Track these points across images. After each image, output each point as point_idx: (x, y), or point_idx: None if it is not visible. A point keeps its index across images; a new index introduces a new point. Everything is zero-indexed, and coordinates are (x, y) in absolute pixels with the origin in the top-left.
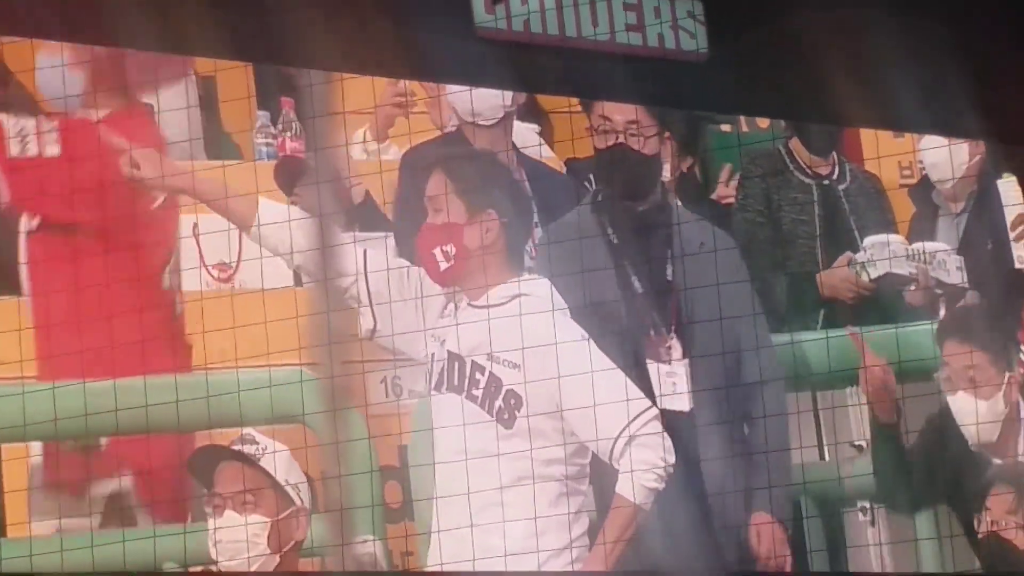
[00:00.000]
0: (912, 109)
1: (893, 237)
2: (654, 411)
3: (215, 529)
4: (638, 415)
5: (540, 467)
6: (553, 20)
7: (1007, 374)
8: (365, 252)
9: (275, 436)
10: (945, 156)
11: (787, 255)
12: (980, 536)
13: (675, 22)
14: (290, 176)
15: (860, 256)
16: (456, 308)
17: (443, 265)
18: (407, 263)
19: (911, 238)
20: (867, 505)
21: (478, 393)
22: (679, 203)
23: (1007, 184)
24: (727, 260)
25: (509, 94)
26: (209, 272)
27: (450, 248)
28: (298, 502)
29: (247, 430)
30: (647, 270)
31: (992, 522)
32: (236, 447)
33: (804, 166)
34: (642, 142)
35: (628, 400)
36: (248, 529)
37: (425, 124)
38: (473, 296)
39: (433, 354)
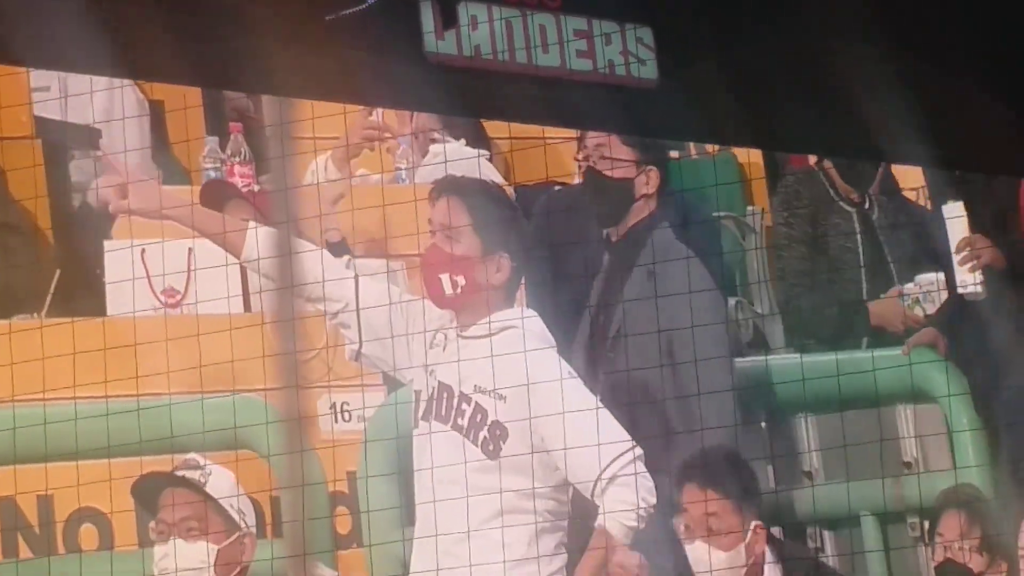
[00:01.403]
0: (859, 137)
1: (941, 276)
2: (638, 451)
3: (161, 557)
4: (620, 455)
5: (521, 501)
6: (504, 46)
7: (753, 523)
8: (357, 279)
9: (220, 462)
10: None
11: (832, 280)
12: (936, 565)
13: (625, 49)
14: (215, 200)
15: (909, 288)
16: (446, 338)
17: (448, 292)
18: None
19: None
20: (815, 531)
21: (463, 423)
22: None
23: (952, 207)
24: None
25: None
26: (157, 297)
27: (460, 279)
28: (244, 526)
29: (190, 455)
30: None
31: (946, 548)
32: (180, 472)
33: (843, 193)
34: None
35: (610, 443)
36: (194, 556)
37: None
38: (463, 325)
39: (424, 384)
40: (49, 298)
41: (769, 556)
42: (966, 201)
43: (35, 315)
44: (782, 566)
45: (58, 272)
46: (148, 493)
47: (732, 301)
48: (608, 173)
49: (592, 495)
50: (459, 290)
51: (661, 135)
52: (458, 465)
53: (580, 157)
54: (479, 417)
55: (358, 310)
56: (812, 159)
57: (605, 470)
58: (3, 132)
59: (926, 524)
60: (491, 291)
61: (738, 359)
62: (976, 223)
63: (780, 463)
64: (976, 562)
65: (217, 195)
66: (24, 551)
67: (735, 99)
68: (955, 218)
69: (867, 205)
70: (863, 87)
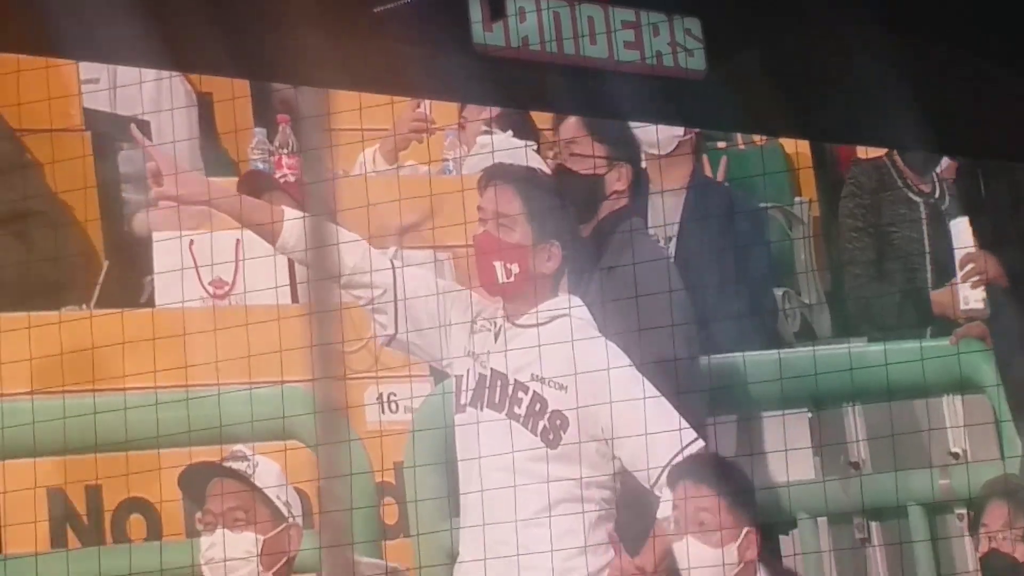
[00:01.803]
0: (906, 126)
1: None
2: (701, 443)
3: (208, 547)
4: (687, 445)
5: (576, 490)
6: (551, 37)
7: (745, 529)
8: (394, 267)
9: (266, 452)
10: None
11: (895, 269)
12: (980, 555)
13: (673, 40)
14: (253, 191)
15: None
16: (495, 325)
17: (502, 280)
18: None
19: None
20: (863, 523)
21: (520, 412)
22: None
23: (958, 223)
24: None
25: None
26: (205, 288)
27: (515, 267)
28: (289, 518)
29: (237, 446)
30: None
31: (990, 538)
32: (227, 464)
33: (911, 183)
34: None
35: (675, 430)
36: (240, 546)
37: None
38: (514, 314)
39: (467, 371)
40: (98, 289)
41: (762, 571)
42: (981, 201)
43: (83, 307)
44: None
45: (106, 264)
46: (195, 484)
47: (779, 291)
48: (578, 170)
49: (654, 485)
50: (512, 278)
51: (708, 126)
52: (513, 453)
53: (551, 155)
54: (538, 406)
55: (395, 299)
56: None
57: (674, 459)
58: (53, 124)
59: (971, 515)
60: (541, 280)
61: (785, 350)
62: (983, 239)
63: (827, 454)
64: (1021, 552)
65: (255, 186)
66: (73, 541)
67: (783, 90)
68: (959, 235)
69: (936, 194)
70: (910, 78)
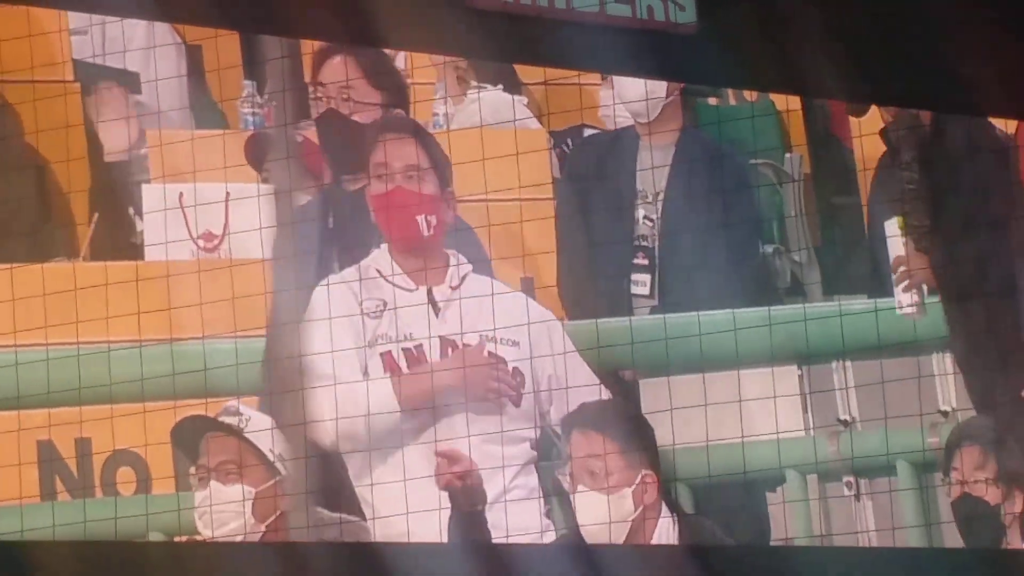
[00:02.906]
0: (903, 81)
1: None
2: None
3: (200, 501)
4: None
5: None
6: None
7: (642, 472)
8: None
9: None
10: None
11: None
12: (952, 500)
13: None
14: (260, 152)
15: None
16: (385, 305)
17: (425, 232)
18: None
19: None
20: (852, 480)
21: None
22: None
23: (891, 225)
24: None
25: (663, 85)
26: (195, 242)
27: (432, 219)
28: (282, 471)
29: (231, 401)
30: None
31: (962, 482)
32: (220, 418)
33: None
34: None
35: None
36: (232, 499)
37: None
38: (435, 278)
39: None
40: (87, 241)
41: (664, 511)
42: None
43: (72, 259)
44: (677, 523)
45: (96, 215)
46: (188, 438)
47: (770, 248)
48: (350, 115)
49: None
50: (432, 230)
51: (700, 81)
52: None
53: (320, 96)
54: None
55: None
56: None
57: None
58: (40, 75)
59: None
60: (446, 232)
61: (776, 307)
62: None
63: (816, 412)
64: (992, 495)
65: (262, 146)
66: (63, 494)
67: (774, 45)
68: (893, 237)
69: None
70: (906, 32)
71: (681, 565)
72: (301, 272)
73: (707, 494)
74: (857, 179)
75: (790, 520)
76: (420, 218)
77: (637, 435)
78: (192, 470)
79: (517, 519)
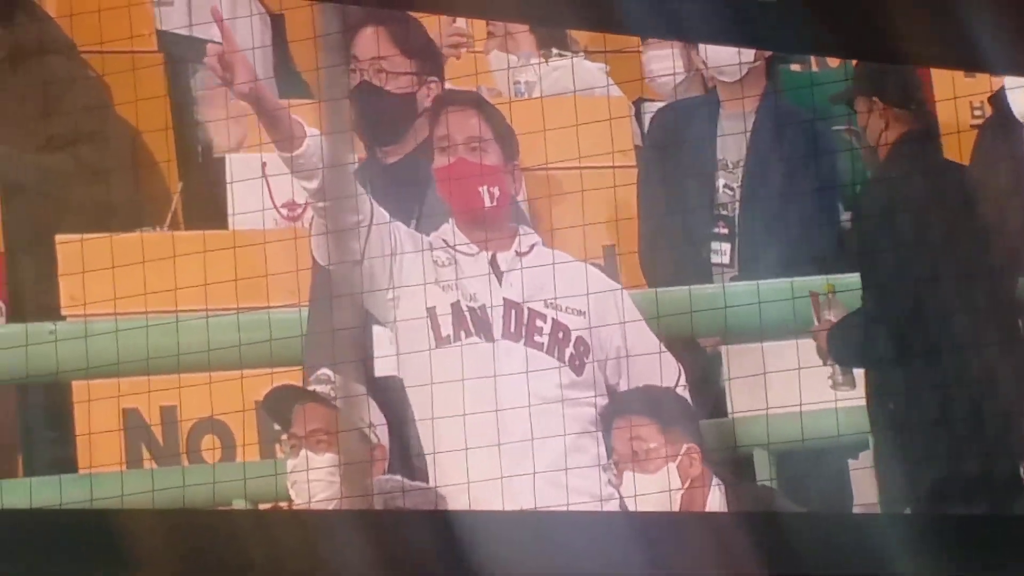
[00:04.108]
0: (988, 48)
1: None
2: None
3: (292, 469)
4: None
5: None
6: None
7: (685, 446)
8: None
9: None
10: None
11: None
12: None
13: None
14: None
15: None
16: (455, 258)
17: (488, 203)
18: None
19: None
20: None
21: (542, 340)
22: None
23: None
24: None
25: (750, 51)
26: (278, 210)
27: (496, 190)
28: (374, 439)
29: (323, 370)
30: None
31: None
32: (311, 387)
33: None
34: (384, 79)
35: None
36: (324, 468)
37: (480, 66)
38: (501, 246)
39: (450, 304)
40: (172, 210)
41: (715, 480)
42: None
43: (158, 228)
44: (726, 490)
45: (180, 184)
46: (280, 406)
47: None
48: (386, 87)
49: None
50: (495, 201)
51: (781, 48)
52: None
53: (353, 68)
54: (560, 334)
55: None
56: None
57: (679, 381)
58: (125, 46)
59: None
60: (512, 204)
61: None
62: None
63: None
64: None
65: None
66: (148, 462)
67: (856, 11)
68: None
69: None
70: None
71: (731, 533)
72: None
73: (783, 461)
74: (940, 143)
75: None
76: (483, 189)
77: (676, 411)
78: (284, 437)
79: (578, 483)
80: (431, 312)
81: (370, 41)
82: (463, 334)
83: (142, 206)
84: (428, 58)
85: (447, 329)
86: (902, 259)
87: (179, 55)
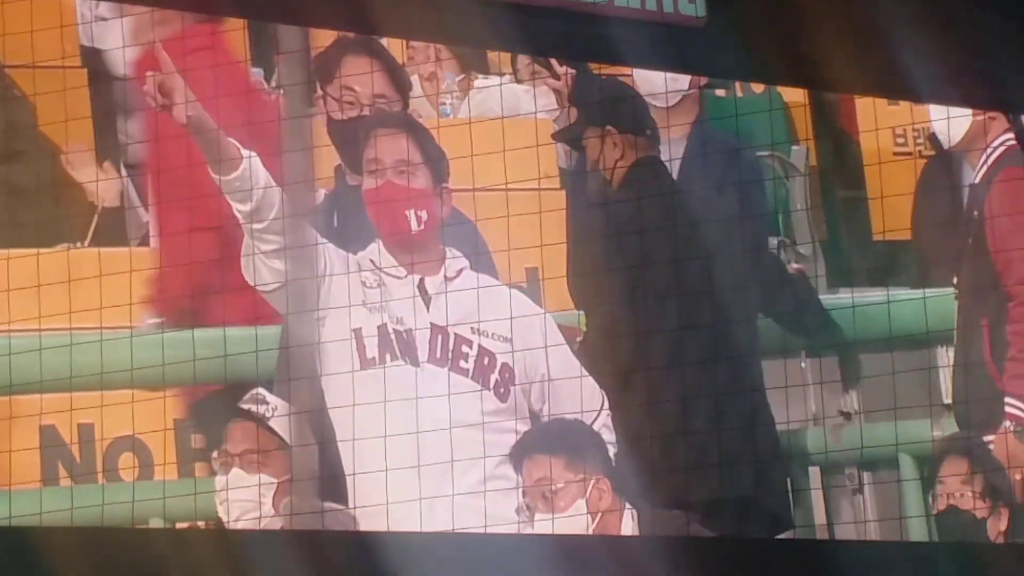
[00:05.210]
0: (914, 76)
1: None
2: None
3: (221, 487)
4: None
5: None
6: None
7: (593, 479)
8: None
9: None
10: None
11: None
12: (937, 512)
13: None
14: None
15: None
16: (380, 280)
17: (415, 227)
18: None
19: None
20: (854, 472)
21: (468, 366)
22: None
23: None
24: None
25: (686, 78)
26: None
27: (423, 214)
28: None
29: (258, 389)
30: None
31: (948, 495)
32: (245, 406)
33: None
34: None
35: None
36: (254, 488)
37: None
38: (429, 270)
39: (375, 325)
40: (93, 226)
41: (626, 504)
42: None
43: (78, 244)
44: (639, 516)
45: (102, 201)
46: (211, 421)
47: (775, 240)
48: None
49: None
50: (423, 225)
51: (708, 73)
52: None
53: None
54: (486, 360)
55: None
56: None
57: (602, 406)
58: (48, 59)
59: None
60: (440, 227)
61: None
62: None
63: (819, 404)
64: (979, 508)
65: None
66: (65, 480)
67: (783, 38)
68: None
69: None
70: (910, 27)
71: (646, 554)
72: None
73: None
74: (864, 173)
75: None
76: (409, 212)
77: (585, 443)
78: (214, 454)
79: (496, 509)
80: (356, 333)
81: (340, 73)
82: (388, 357)
83: (63, 223)
84: (400, 86)
85: (372, 351)
86: (635, 279)
87: (104, 71)
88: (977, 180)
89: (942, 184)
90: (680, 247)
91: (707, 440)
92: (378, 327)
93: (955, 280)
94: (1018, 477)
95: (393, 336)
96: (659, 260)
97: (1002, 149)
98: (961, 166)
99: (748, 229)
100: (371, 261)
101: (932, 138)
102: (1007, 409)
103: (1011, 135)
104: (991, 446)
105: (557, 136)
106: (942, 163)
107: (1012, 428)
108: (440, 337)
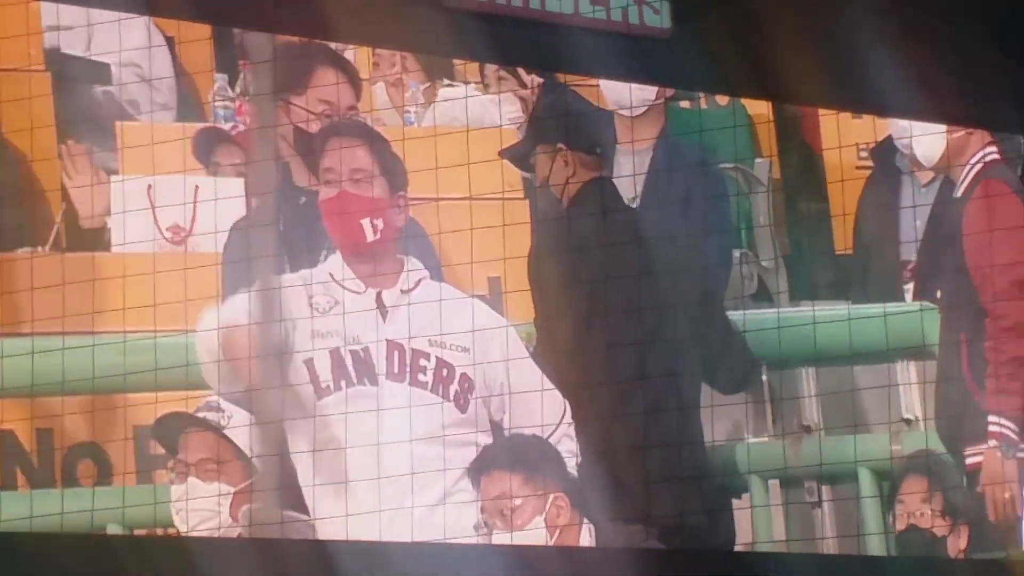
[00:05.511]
0: (877, 90)
1: None
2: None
3: (178, 496)
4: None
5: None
6: None
7: (551, 496)
8: None
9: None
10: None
11: None
12: (898, 532)
13: None
14: (206, 144)
15: None
16: (335, 301)
17: (371, 237)
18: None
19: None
20: (813, 486)
21: (426, 379)
22: None
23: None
24: None
25: (654, 89)
26: (163, 234)
27: (379, 223)
28: (258, 470)
29: (212, 398)
30: None
31: (908, 514)
32: (200, 414)
33: None
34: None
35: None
36: (210, 496)
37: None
38: (386, 283)
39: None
40: (55, 231)
41: (585, 519)
42: None
43: (40, 248)
44: (596, 531)
45: (64, 205)
46: (168, 432)
47: (737, 253)
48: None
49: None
50: (379, 234)
51: (672, 84)
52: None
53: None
54: (445, 371)
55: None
56: None
57: (564, 417)
58: (10, 63)
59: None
60: (399, 236)
61: (745, 311)
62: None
63: (780, 417)
64: (939, 526)
65: (208, 140)
66: (23, 484)
67: (748, 50)
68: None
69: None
70: (876, 40)
71: (605, 565)
72: (255, 273)
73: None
74: (826, 187)
75: (754, 525)
76: (365, 222)
77: (543, 458)
78: (170, 464)
79: (457, 523)
80: (308, 364)
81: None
82: (344, 383)
83: (24, 227)
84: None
85: (326, 378)
86: (588, 296)
87: (69, 76)
88: (959, 195)
89: (881, 199)
90: (632, 265)
91: (669, 454)
92: (331, 352)
93: (938, 295)
94: (1007, 495)
95: (349, 358)
96: (611, 277)
97: (980, 166)
98: (900, 181)
99: (713, 243)
100: (330, 275)
101: (873, 152)
102: (990, 428)
103: (990, 149)
104: (977, 461)
105: (504, 153)
106: (883, 177)
107: (996, 446)
108: (397, 353)
